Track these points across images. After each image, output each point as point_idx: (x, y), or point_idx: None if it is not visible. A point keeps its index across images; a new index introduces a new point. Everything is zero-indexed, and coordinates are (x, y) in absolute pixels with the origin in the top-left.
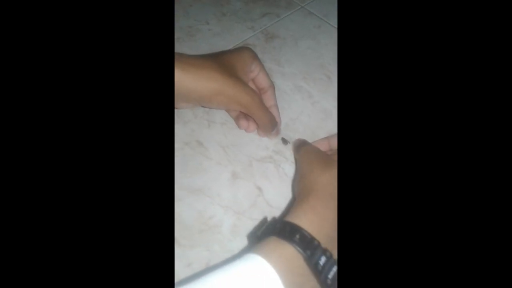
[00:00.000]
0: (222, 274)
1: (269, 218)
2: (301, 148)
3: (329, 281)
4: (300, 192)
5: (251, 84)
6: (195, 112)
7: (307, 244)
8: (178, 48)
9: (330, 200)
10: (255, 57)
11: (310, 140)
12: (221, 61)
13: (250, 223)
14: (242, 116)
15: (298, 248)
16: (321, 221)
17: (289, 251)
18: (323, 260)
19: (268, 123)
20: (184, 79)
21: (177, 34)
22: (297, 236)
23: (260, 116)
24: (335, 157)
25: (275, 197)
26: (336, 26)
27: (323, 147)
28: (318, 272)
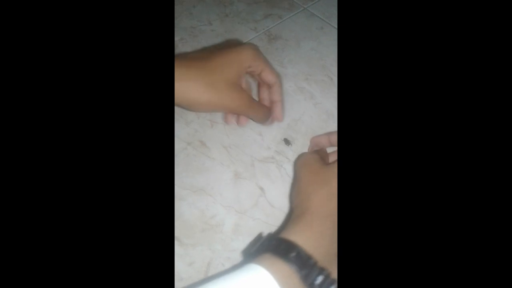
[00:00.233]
0: (223, 284)
1: (265, 232)
2: (299, 159)
3: None
4: (297, 206)
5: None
6: (198, 113)
7: (303, 263)
8: (181, 48)
9: (327, 218)
10: (255, 57)
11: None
12: (209, 65)
13: (252, 223)
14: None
15: (294, 267)
16: (319, 238)
17: (285, 269)
18: (319, 279)
19: (260, 118)
20: None
21: (180, 35)
22: (293, 254)
23: (251, 115)
24: (334, 167)
25: (277, 197)
26: None
27: (323, 143)
28: None
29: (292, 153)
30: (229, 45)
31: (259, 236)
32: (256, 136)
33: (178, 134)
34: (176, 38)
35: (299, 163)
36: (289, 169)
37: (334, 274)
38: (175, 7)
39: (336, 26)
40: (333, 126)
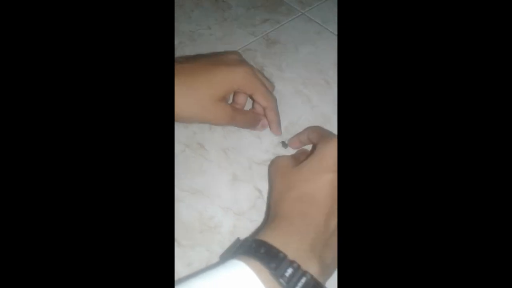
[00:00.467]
0: (204, 279)
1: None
2: (271, 164)
3: None
4: (270, 211)
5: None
6: None
7: (272, 257)
8: (180, 52)
9: (296, 218)
10: (247, 80)
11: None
12: (198, 81)
13: (249, 224)
14: None
15: (263, 261)
16: (287, 237)
17: (256, 264)
18: (289, 271)
19: (249, 126)
20: None
21: (179, 39)
22: (262, 250)
23: (238, 125)
24: (301, 168)
25: None
26: (336, 32)
27: (295, 144)
28: (285, 284)
29: None
30: (226, 61)
31: (237, 241)
32: (254, 139)
33: (177, 136)
34: (175, 42)
35: (271, 169)
36: None
37: (305, 267)
38: (174, 10)
39: (333, 31)
40: (329, 128)
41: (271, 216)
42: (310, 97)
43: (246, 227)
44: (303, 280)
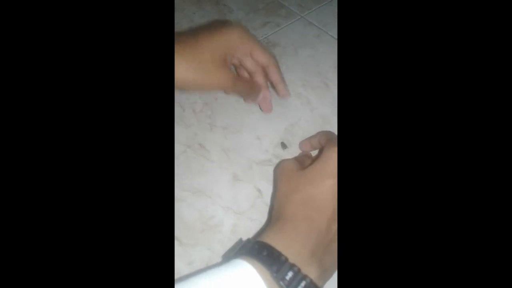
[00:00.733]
0: (208, 278)
1: (252, 236)
2: (277, 166)
3: None
4: (274, 213)
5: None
6: (197, 116)
7: (273, 260)
8: None
9: (300, 222)
10: (243, 38)
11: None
12: (198, 46)
13: (249, 224)
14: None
15: (265, 263)
16: (290, 240)
17: (258, 265)
18: (290, 274)
19: (249, 95)
20: None
21: None
22: (265, 253)
23: (238, 92)
24: (307, 172)
25: None
26: (334, 36)
27: (306, 147)
28: (286, 286)
29: (289, 156)
30: (217, 26)
31: (239, 241)
32: (254, 139)
33: (178, 137)
34: None
35: (277, 171)
36: None
37: (305, 271)
38: (176, 13)
39: (332, 34)
40: (329, 130)
41: (275, 217)
42: (309, 99)
43: (246, 226)
44: (303, 284)
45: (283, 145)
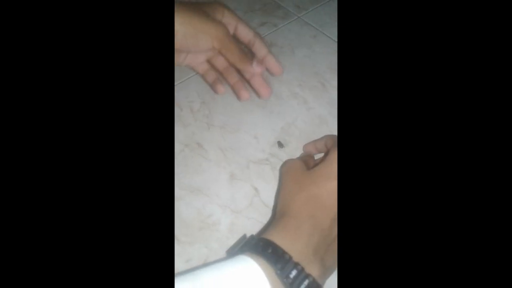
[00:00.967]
0: (213, 273)
1: (249, 234)
2: (283, 165)
3: None
4: (278, 211)
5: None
6: (195, 116)
7: (278, 258)
8: None
9: (304, 221)
10: (225, 8)
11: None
12: (186, 6)
13: (247, 222)
14: (218, 80)
15: (270, 261)
16: (294, 239)
17: (263, 263)
18: (294, 273)
19: (243, 55)
20: None
21: None
22: (269, 250)
23: (233, 48)
24: (312, 172)
25: (270, 198)
26: (331, 36)
27: (311, 150)
28: (289, 285)
29: (285, 156)
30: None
31: (243, 237)
32: (251, 139)
33: (176, 136)
34: None
35: (283, 169)
36: None
37: (308, 270)
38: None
39: (329, 35)
40: (325, 130)
41: (279, 214)
42: (306, 99)
43: (243, 225)
44: (306, 282)
45: (280, 144)
